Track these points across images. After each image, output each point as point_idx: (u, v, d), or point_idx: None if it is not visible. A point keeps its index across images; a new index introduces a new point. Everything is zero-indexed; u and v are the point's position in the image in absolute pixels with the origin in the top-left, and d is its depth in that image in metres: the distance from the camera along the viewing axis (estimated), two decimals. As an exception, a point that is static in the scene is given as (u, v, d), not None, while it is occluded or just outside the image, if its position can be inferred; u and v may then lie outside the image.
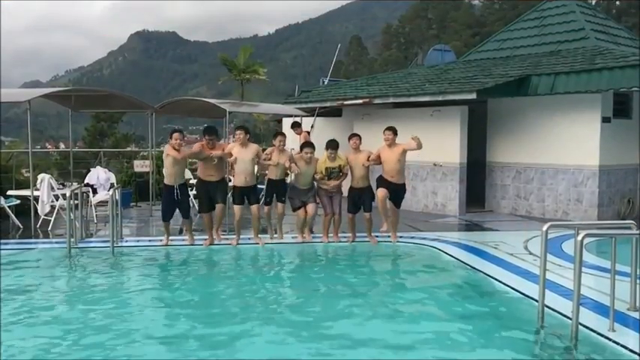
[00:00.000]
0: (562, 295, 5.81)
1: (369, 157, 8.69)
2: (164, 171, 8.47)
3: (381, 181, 8.70)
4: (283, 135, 8.80)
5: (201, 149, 8.38)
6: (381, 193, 8.60)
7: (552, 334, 5.01)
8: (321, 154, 8.76)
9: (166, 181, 8.45)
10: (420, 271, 7.51)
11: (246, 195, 8.55)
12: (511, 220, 11.67)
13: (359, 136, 9.01)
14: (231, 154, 8.41)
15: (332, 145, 8.74)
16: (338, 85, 17.51)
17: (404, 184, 8.90)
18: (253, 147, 8.60)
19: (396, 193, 8.76)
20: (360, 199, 8.77)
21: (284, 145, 8.71)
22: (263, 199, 9.06)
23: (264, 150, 9.02)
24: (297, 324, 5.42)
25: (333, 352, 4.79)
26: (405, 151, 8.65)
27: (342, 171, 8.78)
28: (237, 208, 8.55)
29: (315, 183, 8.87)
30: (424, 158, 12.62)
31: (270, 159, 8.55)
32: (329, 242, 8.87)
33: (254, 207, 8.53)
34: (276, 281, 7.33)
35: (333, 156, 8.69)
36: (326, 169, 8.68)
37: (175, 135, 8.27)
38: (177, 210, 8.63)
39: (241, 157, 8.35)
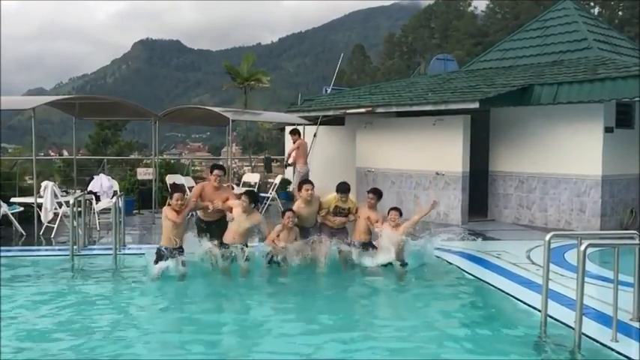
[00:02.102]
0: (565, 304, 5.81)
1: (377, 220, 8.08)
2: (162, 231, 7.62)
3: None
4: (293, 212, 8.00)
5: (198, 200, 7.87)
6: None
7: (555, 344, 5.01)
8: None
9: (163, 243, 7.53)
10: (422, 280, 7.49)
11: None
12: (513, 229, 11.66)
13: (379, 196, 8.33)
14: (231, 210, 7.86)
15: (343, 188, 8.20)
16: (341, 93, 17.55)
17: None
18: (255, 218, 7.85)
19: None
20: None
21: (294, 222, 7.88)
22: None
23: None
24: (302, 325, 5.45)
25: (335, 355, 4.82)
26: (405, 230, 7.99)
27: (350, 212, 8.28)
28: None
29: (319, 219, 8.32)
30: (426, 167, 12.69)
31: (278, 239, 7.75)
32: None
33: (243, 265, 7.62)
34: (271, 294, 7.18)
35: (344, 199, 8.24)
36: (335, 207, 8.22)
37: (176, 196, 7.51)
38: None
39: (239, 221, 7.74)
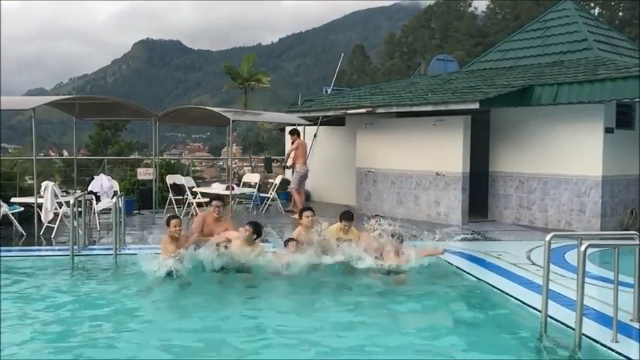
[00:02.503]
0: (565, 305, 5.80)
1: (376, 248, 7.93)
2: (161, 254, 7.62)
3: None
4: (296, 241, 7.96)
5: (201, 236, 8.01)
6: None
7: (555, 345, 5.01)
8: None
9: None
10: (422, 281, 7.49)
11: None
12: (514, 230, 11.66)
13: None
14: (230, 241, 7.86)
15: (346, 217, 8.25)
16: (341, 94, 17.56)
17: None
18: (257, 248, 7.82)
19: None
20: None
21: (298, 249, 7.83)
22: None
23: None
24: (302, 326, 5.46)
25: (336, 355, 4.84)
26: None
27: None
28: None
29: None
30: (427, 167, 12.69)
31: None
32: None
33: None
34: (272, 295, 7.15)
35: (347, 228, 8.24)
36: (337, 239, 8.18)
37: (174, 222, 7.60)
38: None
39: (238, 251, 7.70)
